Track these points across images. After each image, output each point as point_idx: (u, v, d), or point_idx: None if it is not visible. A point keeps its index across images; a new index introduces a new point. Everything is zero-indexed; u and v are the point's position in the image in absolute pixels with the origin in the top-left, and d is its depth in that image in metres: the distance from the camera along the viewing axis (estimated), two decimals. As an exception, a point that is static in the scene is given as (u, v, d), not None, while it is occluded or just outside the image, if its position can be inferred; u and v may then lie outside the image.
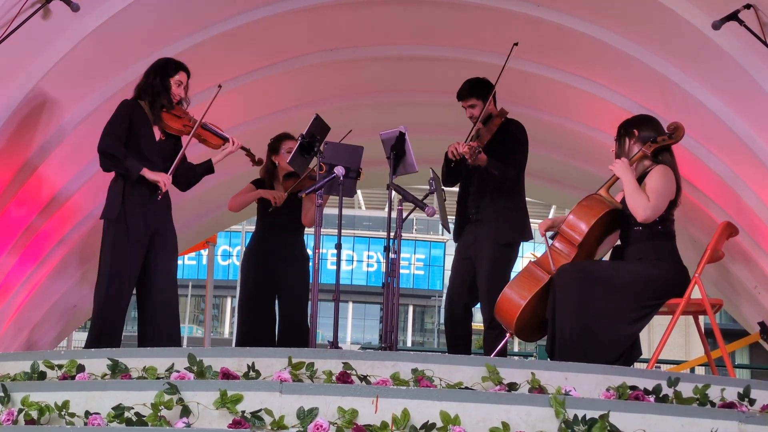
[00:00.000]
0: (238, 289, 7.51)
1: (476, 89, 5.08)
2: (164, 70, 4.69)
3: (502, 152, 4.98)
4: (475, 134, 5.01)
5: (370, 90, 6.64)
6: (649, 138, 4.37)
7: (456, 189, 5.43)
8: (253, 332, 5.49)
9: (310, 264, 5.46)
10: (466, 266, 5.08)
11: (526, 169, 5.18)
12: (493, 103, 5.09)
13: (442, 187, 4.71)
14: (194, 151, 4.94)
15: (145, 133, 4.65)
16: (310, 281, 5.35)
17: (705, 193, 5.99)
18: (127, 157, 4.51)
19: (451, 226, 5.17)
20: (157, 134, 4.75)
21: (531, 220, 5.23)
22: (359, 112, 6.45)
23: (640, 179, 4.31)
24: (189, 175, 4.87)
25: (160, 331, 4.61)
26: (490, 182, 4.99)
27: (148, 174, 4.53)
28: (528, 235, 5.09)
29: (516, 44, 4.94)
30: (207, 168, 4.88)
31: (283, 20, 5.60)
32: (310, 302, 4.49)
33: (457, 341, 5.07)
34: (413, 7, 5.67)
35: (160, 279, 4.65)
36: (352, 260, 38.11)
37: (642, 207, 4.19)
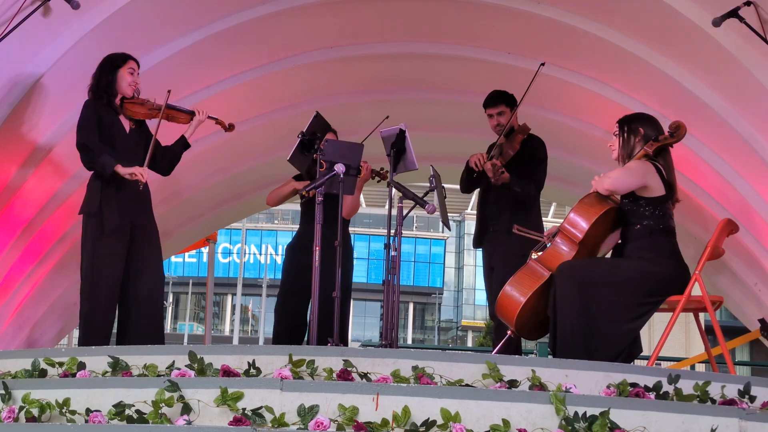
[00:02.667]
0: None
1: (506, 96, 5.18)
2: (111, 63, 4.65)
3: (523, 169, 5.09)
4: (497, 151, 5.06)
5: (371, 87, 6.63)
6: (651, 137, 4.37)
7: (458, 186, 5.44)
8: (294, 326, 5.43)
9: (354, 256, 5.41)
10: (491, 276, 5.18)
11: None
12: (516, 116, 5.21)
13: (442, 185, 4.72)
14: (163, 138, 4.88)
15: (114, 125, 4.61)
16: (352, 273, 5.36)
17: (705, 191, 5.99)
18: (102, 154, 4.47)
19: (452, 224, 5.20)
20: (126, 126, 4.69)
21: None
22: (359, 109, 6.44)
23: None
24: (169, 157, 4.81)
25: (139, 330, 4.52)
26: (509, 194, 5.07)
27: (122, 170, 4.46)
28: None
29: (543, 64, 5.08)
30: (183, 145, 4.83)
31: (283, 18, 5.60)
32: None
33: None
34: (414, 5, 5.67)
35: (140, 275, 4.58)
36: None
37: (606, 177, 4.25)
